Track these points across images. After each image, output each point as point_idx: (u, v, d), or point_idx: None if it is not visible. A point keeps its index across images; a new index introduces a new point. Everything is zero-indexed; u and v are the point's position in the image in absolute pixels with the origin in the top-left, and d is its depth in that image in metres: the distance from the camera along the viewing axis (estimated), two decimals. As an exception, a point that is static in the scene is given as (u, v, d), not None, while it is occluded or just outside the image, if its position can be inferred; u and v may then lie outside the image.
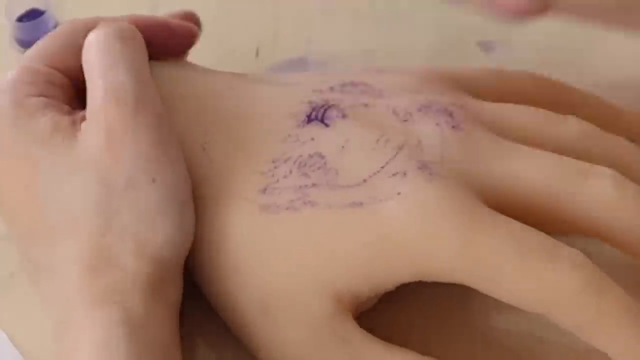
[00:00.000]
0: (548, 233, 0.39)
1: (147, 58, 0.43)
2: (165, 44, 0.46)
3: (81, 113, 0.42)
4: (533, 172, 0.41)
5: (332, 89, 0.44)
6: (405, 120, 0.42)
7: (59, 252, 0.39)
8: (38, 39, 0.55)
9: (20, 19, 0.55)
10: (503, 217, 0.39)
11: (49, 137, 0.40)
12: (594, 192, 0.40)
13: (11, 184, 0.41)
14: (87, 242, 0.39)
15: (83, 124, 0.41)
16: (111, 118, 0.40)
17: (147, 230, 0.39)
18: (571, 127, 0.44)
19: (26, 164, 0.40)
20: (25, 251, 0.41)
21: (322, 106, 0.43)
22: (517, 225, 0.39)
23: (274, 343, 0.40)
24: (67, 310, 0.39)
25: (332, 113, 0.43)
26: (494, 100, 0.45)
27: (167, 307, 0.39)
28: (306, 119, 0.43)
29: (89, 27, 0.44)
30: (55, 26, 0.56)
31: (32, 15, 0.55)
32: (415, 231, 0.39)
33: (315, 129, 0.42)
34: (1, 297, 0.47)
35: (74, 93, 0.44)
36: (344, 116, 0.43)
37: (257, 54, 0.55)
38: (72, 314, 0.38)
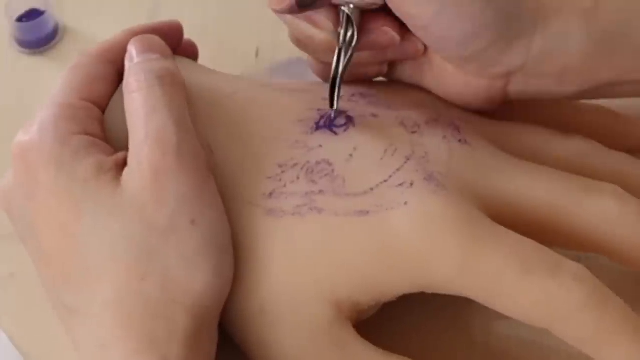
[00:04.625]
0: (551, 248, 0.39)
1: (185, 100, 0.42)
2: None
3: (121, 154, 0.41)
4: (537, 187, 0.41)
5: (340, 98, 0.44)
6: (413, 132, 0.43)
7: (95, 297, 0.39)
8: (38, 39, 0.55)
9: (20, 19, 0.55)
10: (506, 231, 0.40)
11: (92, 179, 0.40)
12: (597, 208, 0.41)
13: (50, 225, 0.40)
14: (125, 286, 0.38)
15: (126, 169, 0.40)
16: (154, 161, 0.39)
17: (186, 274, 0.39)
18: (575, 144, 0.45)
19: (68, 205, 0.40)
20: (59, 295, 0.40)
21: (331, 114, 0.43)
22: (520, 238, 0.39)
23: (271, 347, 0.40)
24: (102, 358, 0.38)
25: (341, 121, 0.43)
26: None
27: (203, 359, 0.39)
28: (315, 126, 0.43)
29: (104, 55, 0.44)
30: (55, 26, 0.56)
31: (32, 15, 0.55)
32: (420, 242, 0.39)
33: (323, 136, 0.43)
34: (1, 297, 0.47)
35: None
36: (352, 125, 0.43)
37: (257, 54, 0.55)
38: None
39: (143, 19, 0.56)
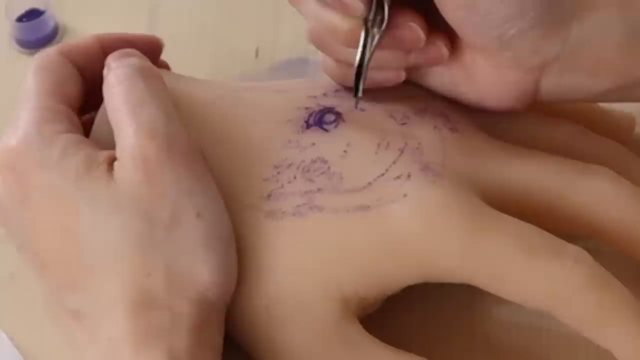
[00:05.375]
0: (549, 231, 0.40)
1: (168, 94, 0.42)
2: None
3: (113, 151, 0.40)
4: (531, 171, 0.42)
5: (325, 95, 0.44)
6: (403, 124, 0.43)
7: (100, 295, 0.38)
8: (38, 39, 0.55)
9: (20, 19, 0.55)
10: (505, 216, 0.40)
11: (84, 173, 0.39)
12: (591, 190, 0.41)
13: (49, 228, 0.40)
14: (131, 281, 0.38)
15: (116, 163, 0.40)
16: (146, 152, 0.39)
17: (192, 268, 0.38)
18: (563, 128, 0.45)
19: (63, 204, 0.39)
20: (61, 298, 0.40)
21: (319, 111, 0.43)
22: (520, 223, 0.40)
23: (278, 346, 0.40)
24: (110, 351, 0.38)
25: (330, 118, 0.43)
26: None
27: (211, 351, 0.38)
28: (305, 124, 0.43)
29: (66, 54, 0.44)
30: (55, 26, 0.56)
31: (32, 15, 0.55)
32: (422, 232, 0.39)
33: (315, 134, 0.43)
34: (1, 297, 0.47)
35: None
36: (342, 121, 0.43)
37: (257, 54, 0.55)
38: (116, 356, 0.37)
39: (142, 19, 0.56)
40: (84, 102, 0.44)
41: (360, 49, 0.41)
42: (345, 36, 0.42)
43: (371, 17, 0.41)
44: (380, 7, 0.41)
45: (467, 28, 0.41)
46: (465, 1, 0.40)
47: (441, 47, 0.42)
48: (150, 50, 0.46)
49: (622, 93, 0.43)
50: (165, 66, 0.48)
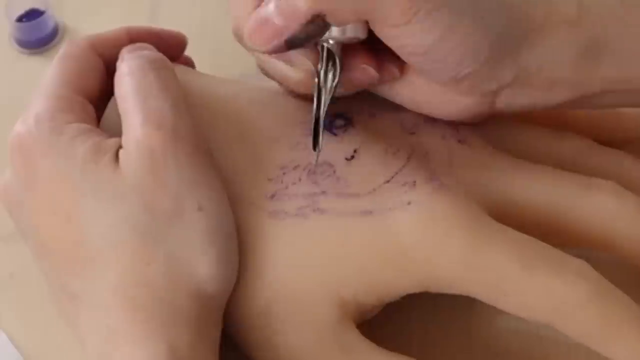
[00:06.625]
0: (553, 245, 0.40)
1: (179, 86, 0.42)
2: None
3: (117, 139, 0.40)
4: (536, 186, 0.42)
5: (338, 99, 0.44)
6: (412, 132, 0.43)
7: (100, 282, 0.38)
8: (38, 39, 0.55)
9: (20, 19, 0.55)
10: (508, 229, 0.40)
11: (91, 161, 0.39)
12: (596, 204, 0.41)
13: (52, 212, 0.40)
14: (130, 269, 0.38)
15: (121, 152, 0.40)
16: (152, 143, 0.39)
17: (192, 260, 0.39)
18: (571, 143, 0.45)
19: (68, 189, 0.39)
20: (62, 282, 0.40)
21: (330, 115, 0.43)
22: (521, 236, 0.40)
23: (275, 348, 0.40)
24: (108, 343, 0.38)
25: (340, 122, 0.43)
26: None
27: (210, 344, 0.39)
28: None
29: (94, 45, 0.44)
30: (55, 26, 0.56)
31: (32, 15, 0.55)
32: (424, 241, 0.40)
33: (324, 137, 0.42)
34: (1, 297, 0.47)
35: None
36: (351, 126, 0.43)
37: (257, 54, 0.55)
38: (114, 348, 0.37)
39: (143, 19, 0.56)
40: (107, 93, 0.44)
41: (315, 104, 0.41)
42: (297, 85, 0.42)
43: (322, 71, 0.40)
44: (331, 59, 0.40)
45: (421, 70, 0.41)
46: (418, 52, 0.40)
47: (392, 70, 0.42)
48: (175, 45, 0.46)
49: (578, 104, 0.43)
50: (189, 62, 0.48)
